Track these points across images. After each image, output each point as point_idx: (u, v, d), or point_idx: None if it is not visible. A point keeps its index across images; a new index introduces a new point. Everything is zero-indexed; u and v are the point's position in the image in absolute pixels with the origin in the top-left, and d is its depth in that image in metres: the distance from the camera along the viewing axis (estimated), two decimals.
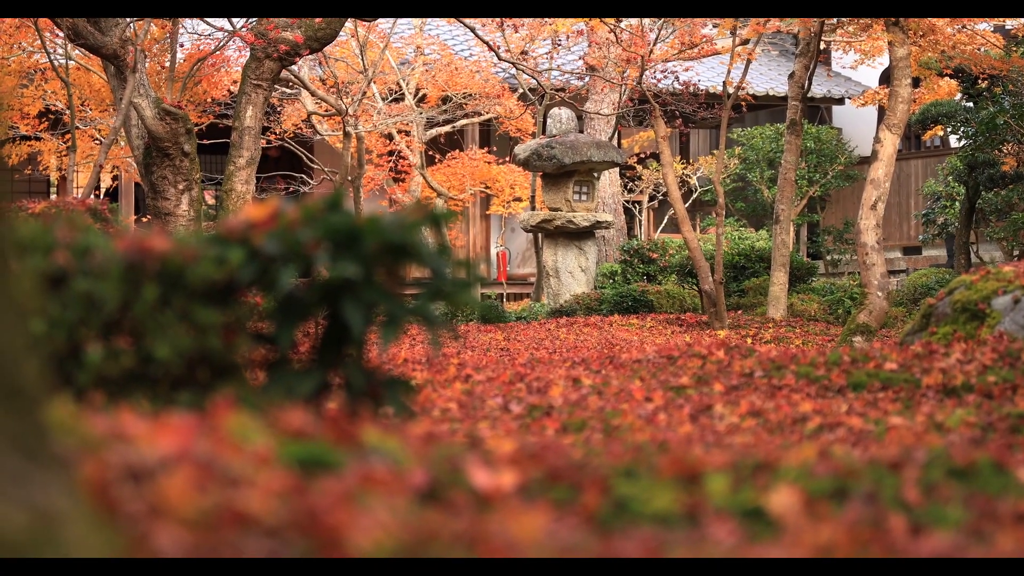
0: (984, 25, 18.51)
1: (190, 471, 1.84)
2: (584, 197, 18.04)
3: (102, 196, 21.75)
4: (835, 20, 16.66)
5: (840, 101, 26.87)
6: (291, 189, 22.81)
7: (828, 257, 23.93)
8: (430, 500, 2.05)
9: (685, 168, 24.65)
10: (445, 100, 21.98)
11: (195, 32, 18.96)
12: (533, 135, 21.42)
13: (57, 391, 2.93)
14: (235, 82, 17.76)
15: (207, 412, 2.34)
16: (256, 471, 1.94)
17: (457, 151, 23.04)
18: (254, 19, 13.54)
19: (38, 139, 20.48)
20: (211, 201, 21.02)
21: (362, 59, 18.73)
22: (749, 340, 12.98)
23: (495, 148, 23.86)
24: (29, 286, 1.66)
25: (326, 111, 19.41)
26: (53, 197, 23.10)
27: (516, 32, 21.29)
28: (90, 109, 19.68)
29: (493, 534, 1.85)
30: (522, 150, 18.01)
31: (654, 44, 17.10)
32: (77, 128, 16.58)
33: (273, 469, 1.99)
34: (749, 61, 16.58)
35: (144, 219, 19.69)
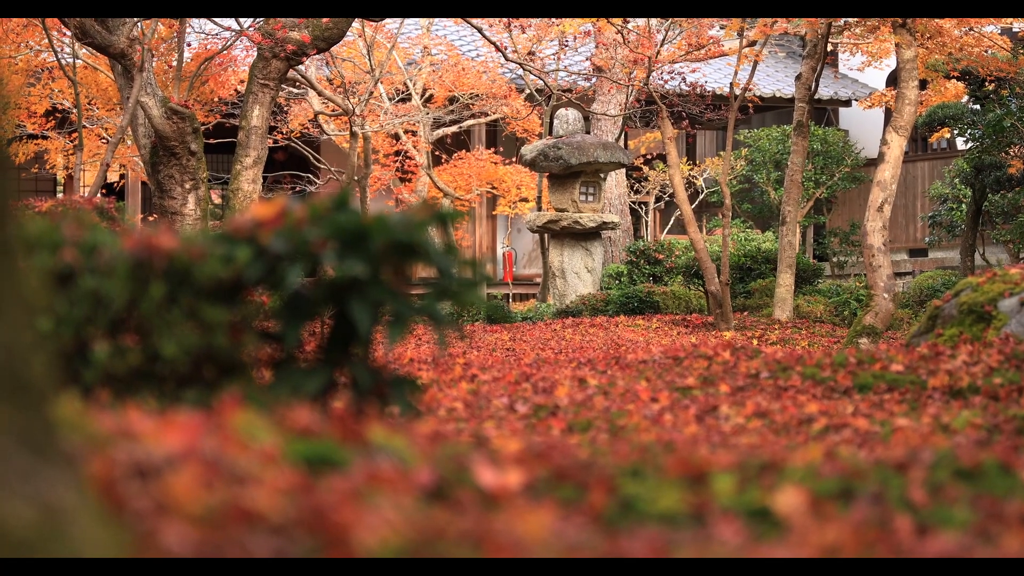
0: (991, 27, 18.50)
1: (197, 468, 1.84)
2: (590, 198, 18.04)
3: (108, 195, 21.78)
4: (842, 22, 16.65)
5: (847, 103, 26.85)
6: (297, 189, 22.82)
7: (834, 259, 23.92)
8: (436, 499, 2.05)
9: (692, 169, 24.63)
10: (452, 100, 21.98)
11: (202, 31, 18.99)
12: (540, 136, 21.42)
13: (64, 389, 2.93)
14: (242, 82, 17.78)
15: (214, 410, 2.34)
16: (263, 469, 1.94)
17: (464, 151, 23.05)
18: (261, 19, 13.55)
19: (45, 138, 20.49)
20: (217, 200, 21.05)
21: (369, 59, 18.74)
22: (755, 341, 12.97)
23: (502, 148, 23.86)
24: (36, 284, 1.66)
25: (333, 111, 19.42)
26: (60, 196, 23.14)
27: (523, 33, 21.28)
28: (97, 108, 19.70)
29: (499, 533, 1.85)
30: (529, 151, 18.01)
31: (661, 45, 17.10)
32: (84, 127, 16.60)
33: (280, 467, 1.99)
34: (756, 63, 16.57)
35: (151, 218, 19.72)
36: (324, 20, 12.98)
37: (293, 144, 21.84)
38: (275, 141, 21.09)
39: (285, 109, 21.28)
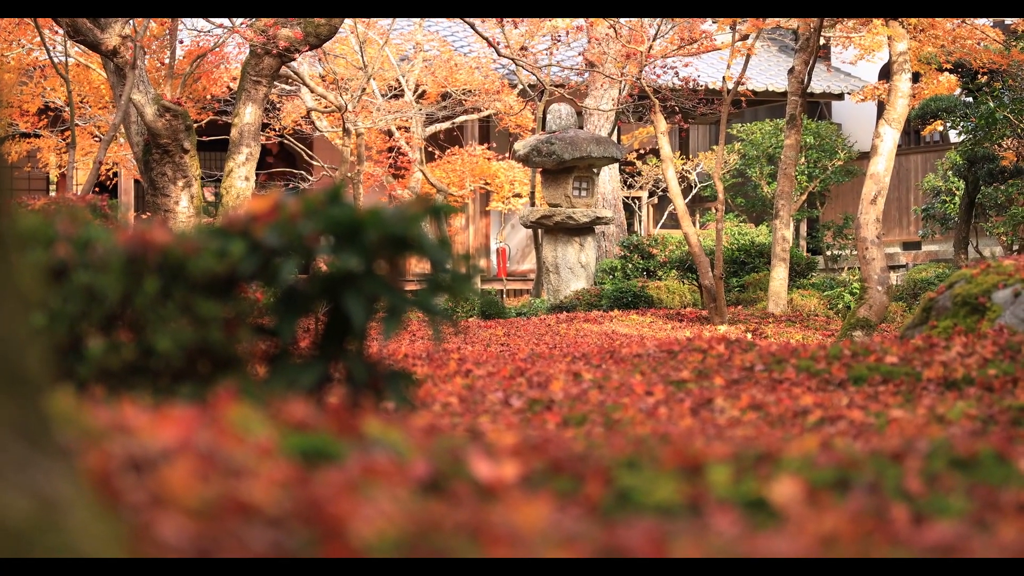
0: (984, 20, 18.52)
1: (192, 461, 1.84)
2: (584, 193, 18.05)
3: (102, 193, 21.74)
4: None
5: (840, 96, 26.87)
6: (291, 186, 22.80)
7: (828, 252, 23.93)
8: (432, 491, 2.05)
9: (685, 164, 24.65)
10: (445, 96, 21.97)
11: (194, 29, 18.96)
12: (532, 131, 21.42)
13: (59, 384, 2.93)
14: (234, 79, 17.76)
15: (209, 404, 2.34)
16: (258, 462, 1.94)
17: (456, 147, 23.05)
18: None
19: (37, 136, 20.47)
20: (210, 198, 21.03)
21: (361, 56, 18.73)
22: (749, 335, 12.98)
23: (495, 144, 23.86)
24: (31, 279, 1.66)
25: (326, 108, 19.41)
26: (52, 194, 23.12)
27: (516, 28, 21.28)
28: (89, 106, 19.68)
29: (496, 524, 1.84)
30: (522, 146, 18.01)
31: (653, 40, 17.10)
32: (76, 125, 16.58)
33: (275, 460, 1.99)
34: (748, 56, 16.57)
35: (144, 216, 19.71)
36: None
37: (286, 141, 21.84)
38: (268, 138, 21.09)
39: (278, 106, 21.27)
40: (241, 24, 14.26)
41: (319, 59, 19.70)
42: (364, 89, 18.52)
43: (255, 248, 3.06)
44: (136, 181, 21.92)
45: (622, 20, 17.68)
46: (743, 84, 17.15)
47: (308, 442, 2.12)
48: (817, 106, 27.20)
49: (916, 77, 18.69)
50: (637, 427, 4.73)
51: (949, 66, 18.26)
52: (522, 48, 21.31)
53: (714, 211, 17.08)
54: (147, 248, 3.04)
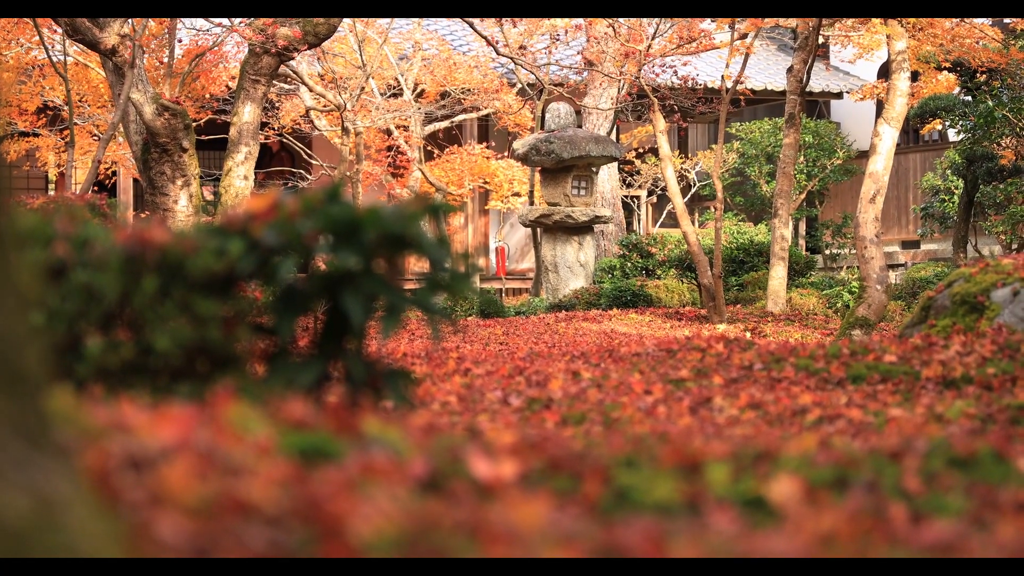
0: (982, 19, 18.54)
1: (191, 460, 1.84)
2: (583, 192, 18.05)
3: (100, 192, 21.72)
4: None
5: (838, 95, 26.87)
6: (289, 184, 22.80)
7: (827, 251, 23.93)
8: (431, 490, 2.05)
9: (684, 163, 24.65)
10: (443, 95, 21.97)
11: (193, 28, 18.97)
12: (531, 130, 21.42)
13: (57, 383, 2.92)
14: (233, 78, 17.76)
15: (207, 403, 2.34)
16: (257, 460, 1.94)
17: (455, 146, 23.05)
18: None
19: (36, 135, 20.47)
20: (209, 197, 21.03)
21: (360, 55, 18.73)
22: (748, 334, 12.97)
23: (493, 143, 23.86)
24: (29, 277, 1.65)
25: (325, 106, 19.41)
26: (51, 193, 23.11)
27: (515, 27, 21.27)
28: (88, 105, 19.67)
29: (494, 523, 1.84)
30: (520, 145, 18.01)
31: (652, 39, 17.09)
32: (75, 124, 16.57)
33: (274, 459, 1.99)
34: (747, 55, 16.57)
35: (142, 215, 19.70)
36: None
37: (285, 140, 21.85)
38: (267, 137, 21.09)
39: (277, 105, 21.27)
40: (240, 23, 14.26)
41: (318, 58, 19.70)
42: (363, 88, 18.52)
43: (254, 247, 3.06)
44: (135, 180, 21.92)
45: (621, 19, 17.68)
46: (742, 83, 17.15)
47: (307, 441, 2.12)
48: (816, 105, 27.20)
49: (915, 76, 18.69)
50: (636, 426, 4.73)
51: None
52: (521, 47, 21.31)
53: (713, 210, 17.08)
54: (146, 247, 3.04)
